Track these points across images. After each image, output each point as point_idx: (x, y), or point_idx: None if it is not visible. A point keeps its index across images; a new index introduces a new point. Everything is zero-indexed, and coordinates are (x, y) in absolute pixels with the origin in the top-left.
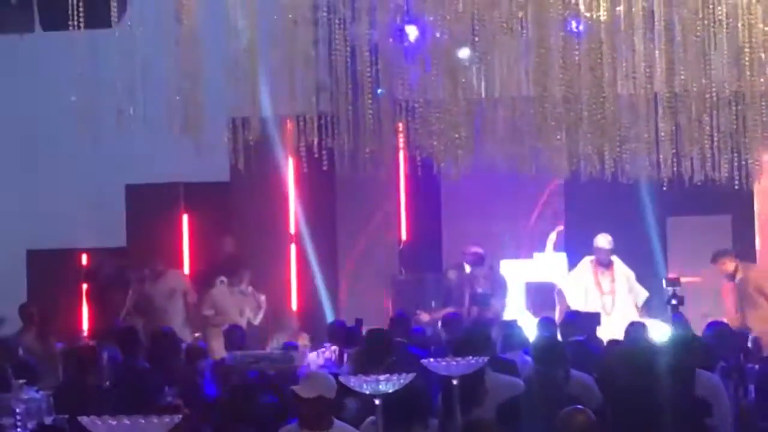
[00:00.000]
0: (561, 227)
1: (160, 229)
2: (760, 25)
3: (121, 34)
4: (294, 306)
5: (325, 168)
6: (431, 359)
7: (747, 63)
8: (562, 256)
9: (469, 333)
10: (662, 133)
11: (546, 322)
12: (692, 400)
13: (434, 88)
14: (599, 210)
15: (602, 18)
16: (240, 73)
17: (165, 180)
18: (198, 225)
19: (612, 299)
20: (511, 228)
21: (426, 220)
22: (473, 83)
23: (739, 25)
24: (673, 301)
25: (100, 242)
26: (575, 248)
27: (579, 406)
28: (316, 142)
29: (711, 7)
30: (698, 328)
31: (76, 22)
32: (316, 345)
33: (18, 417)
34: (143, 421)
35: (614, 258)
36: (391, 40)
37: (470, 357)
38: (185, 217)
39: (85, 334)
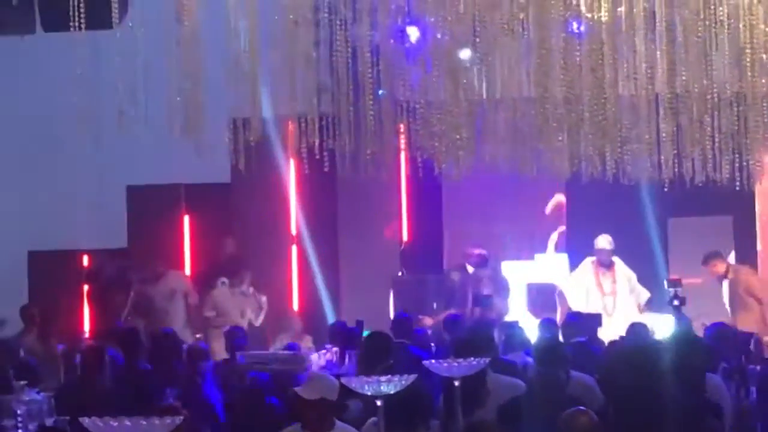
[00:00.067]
0: (562, 228)
1: (161, 230)
2: (762, 26)
3: (122, 35)
4: (295, 307)
5: (326, 169)
6: (433, 360)
7: (748, 64)
8: (564, 257)
9: (471, 334)
10: (663, 134)
11: (547, 323)
12: (703, 401)
13: (435, 89)
14: (600, 211)
15: (603, 19)
16: (241, 74)
17: (166, 181)
18: (199, 226)
19: (613, 300)
20: (512, 229)
21: (427, 221)
22: (474, 84)
23: (741, 25)
24: (675, 302)
25: (101, 243)
26: (576, 249)
27: (581, 408)
28: (317, 143)
29: (712, 7)
30: (699, 329)
31: (77, 23)
32: (317, 346)
33: (19, 418)
34: (144, 422)
35: (615, 259)
36: (392, 41)
37: (472, 358)
38: (186, 218)
39: (87, 335)
